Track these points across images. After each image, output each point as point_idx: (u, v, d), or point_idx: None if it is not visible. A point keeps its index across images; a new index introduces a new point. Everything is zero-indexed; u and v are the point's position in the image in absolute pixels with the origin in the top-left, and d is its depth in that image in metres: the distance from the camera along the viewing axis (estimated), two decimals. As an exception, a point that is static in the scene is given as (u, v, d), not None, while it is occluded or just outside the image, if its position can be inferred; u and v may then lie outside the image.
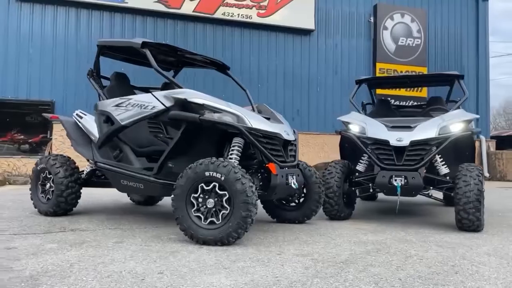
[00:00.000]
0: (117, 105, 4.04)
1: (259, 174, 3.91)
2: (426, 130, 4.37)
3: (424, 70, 15.27)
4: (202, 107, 3.62)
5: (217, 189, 3.27)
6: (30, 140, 12.12)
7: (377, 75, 14.66)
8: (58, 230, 3.83)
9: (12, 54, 11.55)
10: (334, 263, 2.84)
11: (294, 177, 3.82)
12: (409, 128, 4.47)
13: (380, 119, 4.88)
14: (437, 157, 4.46)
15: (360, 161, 4.88)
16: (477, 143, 13.81)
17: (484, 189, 4.18)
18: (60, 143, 11.69)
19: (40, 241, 3.37)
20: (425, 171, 4.42)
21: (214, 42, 13.19)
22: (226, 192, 3.24)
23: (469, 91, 12.22)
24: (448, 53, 16.06)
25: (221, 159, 3.33)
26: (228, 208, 3.24)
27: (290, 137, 3.89)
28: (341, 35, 14.67)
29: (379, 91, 14.52)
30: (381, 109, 5.86)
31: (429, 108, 5.41)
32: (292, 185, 3.77)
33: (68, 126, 4.60)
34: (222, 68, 4.98)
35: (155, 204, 5.85)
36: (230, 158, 3.63)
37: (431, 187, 4.50)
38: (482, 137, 14.32)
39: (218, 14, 13.09)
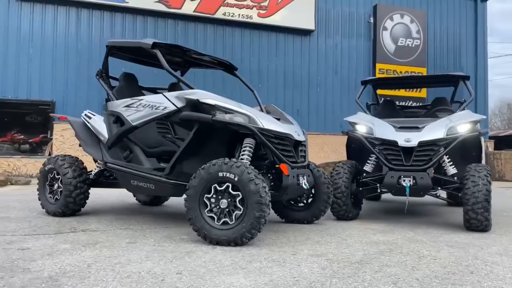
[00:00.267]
0: (127, 106, 4.04)
1: (269, 175, 3.92)
2: (434, 130, 4.39)
3: (423, 71, 15.34)
4: (213, 107, 3.63)
5: (230, 189, 3.28)
6: (30, 140, 12.09)
7: (377, 75, 14.72)
8: (68, 231, 3.83)
9: (12, 54, 11.51)
10: (349, 263, 2.85)
11: (305, 177, 3.83)
12: (417, 128, 4.49)
13: (387, 119, 4.91)
14: (445, 157, 4.49)
15: (368, 161, 4.90)
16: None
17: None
18: (61, 143, 11.68)
19: (52, 241, 3.37)
20: (433, 171, 4.44)
21: (214, 42, 13.20)
22: (239, 193, 3.25)
23: (466, 91, 12.27)
24: (447, 54, 16.14)
25: (234, 159, 3.35)
26: (242, 208, 3.25)
27: (300, 137, 3.91)
28: (341, 36, 14.72)
29: (378, 91, 14.64)
30: (386, 110, 5.88)
31: (435, 109, 5.44)
32: (303, 185, 3.78)
33: (76, 126, 4.60)
34: (229, 68, 4.99)
35: (161, 205, 5.85)
36: (242, 159, 3.64)
37: (439, 188, 4.53)
38: (481, 137, 14.40)
39: (218, 14, 13.11)
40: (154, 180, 3.87)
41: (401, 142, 4.39)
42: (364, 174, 4.90)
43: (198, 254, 3.04)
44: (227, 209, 3.31)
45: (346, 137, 5.26)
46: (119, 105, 4.16)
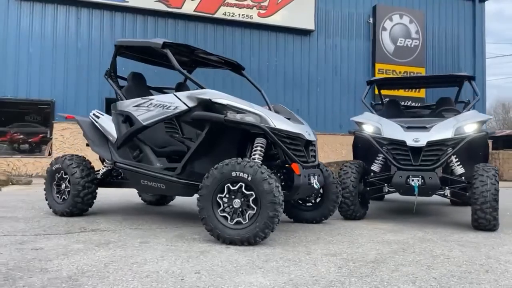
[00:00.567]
0: (138, 106, 4.03)
1: (280, 174, 3.93)
2: (442, 130, 4.41)
3: (422, 71, 15.42)
4: (225, 107, 3.63)
5: (243, 189, 3.28)
6: (29, 140, 12.03)
7: (376, 75, 14.78)
8: (78, 231, 3.82)
9: (11, 53, 11.46)
10: (365, 263, 2.86)
11: (316, 177, 3.84)
12: (425, 128, 4.51)
13: (393, 119, 4.93)
14: (453, 157, 4.51)
15: (375, 161, 4.92)
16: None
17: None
18: (61, 142, 11.64)
19: (64, 241, 3.36)
20: (441, 171, 4.46)
21: (214, 42, 13.20)
22: (252, 192, 3.25)
23: (466, 92, 12.36)
24: (446, 54, 16.23)
25: (247, 159, 3.35)
26: (255, 208, 3.25)
27: (311, 137, 3.92)
28: (341, 36, 14.77)
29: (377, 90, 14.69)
30: (391, 110, 5.90)
31: (441, 109, 5.47)
32: (314, 185, 3.79)
33: (85, 126, 4.58)
34: (237, 68, 4.99)
35: (166, 204, 5.84)
36: (253, 158, 3.65)
37: (447, 187, 4.55)
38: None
39: (219, 14, 13.12)
40: (165, 180, 3.86)
41: (410, 142, 4.41)
42: (372, 174, 4.91)
43: (213, 253, 3.04)
44: (240, 209, 3.31)
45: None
46: (128, 105, 4.15)
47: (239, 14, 13.29)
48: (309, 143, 3.92)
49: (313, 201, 4.54)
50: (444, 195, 4.62)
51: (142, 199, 5.89)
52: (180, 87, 5.09)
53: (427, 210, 5.98)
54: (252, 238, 3.24)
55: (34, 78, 11.59)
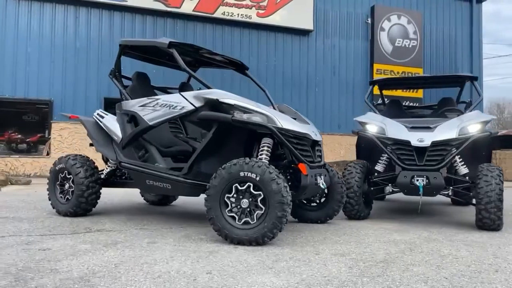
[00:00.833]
0: (143, 105, 4.02)
1: (287, 175, 3.93)
2: (446, 130, 4.43)
3: (420, 71, 15.46)
4: (232, 107, 3.62)
5: (251, 189, 3.28)
6: (27, 140, 11.95)
7: (374, 75, 14.82)
8: (84, 231, 3.80)
9: (9, 53, 11.37)
10: (375, 263, 2.87)
11: (322, 177, 3.84)
12: (429, 128, 4.53)
13: (397, 119, 4.94)
14: (457, 157, 4.53)
15: (379, 161, 4.93)
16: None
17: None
18: (59, 142, 11.58)
19: (71, 241, 3.34)
20: (446, 171, 4.48)
21: (213, 41, 13.16)
22: (261, 192, 3.25)
23: (466, 91, 12.29)
24: (443, 55, 16.29)
25: (254, 159, 3.35)
26: (263, 208, 3.25)
27: (317, 137, 3.92)
28: (339, 36, 14.78)
29: (376, 91, 14.73)
30: (393, 110, 5.91)
31: (444, 109, 5.49)
32: (321, 185, 3.79)
33: (89, 126, 4.56)
34: (241, 68, 4.98)
35: (169, 204, 5.83)
36: (260, 158, 3.64)
37: (451, 187, 4.57)
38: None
39: (217, 14, 13.08)
40: (171, 180, 3.85)
41: (414, 142, 4.42)
42: (376, 174, 4.92)
43: (222, 254, 3.03)
44: (248, 209, 3.30)
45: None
46: (134, 105, 4.13)
47: (238, 14, 13.27)
48: (315, 143, 3.92)
49: (317, 201, 4.54)
50: (448, 195, 4.63)
51: (144, 199, 5.87)
52: (184, 87, 5.08)
53: (429, 210, 6.00)
54: (260, 238, 3.23)
55: (32, 77, 11.51)
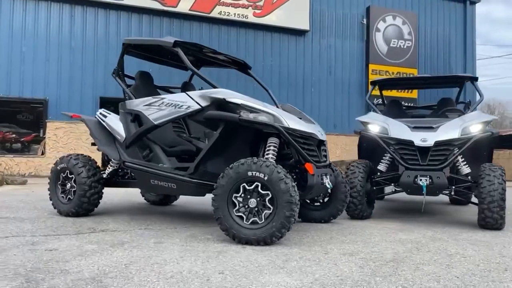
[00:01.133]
0: (149, 105, 3.99)
1: (293, 174, 3.92)
2: (449, 130, 4.46)
3: (414, 72, 15.58)
4: (239, 107, 3.61)
5: (259, 188, 3.27)
6: (22, 139, 11.83)
7: (370, 76, 14.90)
8: (88, 231, 3.76)
9: (4, 51, 11.26)
10: (384, 262, 2.88)
11: (328, 176, 3.85)
12: (431, 128, 4.55)
13: (399, 119, 4.97)
14: (459, 157, 4.56)
15: (382, 161, 4.94)
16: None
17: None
18: (54, 142, 11.49)
19: (76, 242, 3.30)
20: (449, 170, 4.51)
21: (210, 41, 13.13)
22: (269, 192, 3.24)
23: (452, 92, 12.36)
24: (437, 55, 16.43)
25: (262, 158, 3.34)
26: (271, 208, 3.24)
27: (323, 137, 3.93)
28: (335, 36, 14.84)
29: (374, 91, 14.79)
30: (393, 110, 5.94)
31: (444, 109, 5.53)
32: (327, 184, 3.79)
33: (91, 125, 4.51)
34: (244, 67, 4.97)
35: (170, 204, 5.80)
36: (266, 158, 3.63)
37: (453, 187, 4.60)
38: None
39: (214, 13, 13.07)
40: (176, 180, 3.83)
41: (417, 142, 4.45)
42: (378, 174, 4.94)
43: (231, 253, 3.02)
44: (255, 209, 3.29)
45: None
46: (138, 104, 4.10)
47: (235, 14, 13.26)
48: (321, 143, 3.93)
49: (321, 200, 4.54)
50: (450, 194, 4.66)
51: (145, 199, 5.83)
52: (186, 86, 5.05)
53: (429, 209, 6.04)
54: (268, 238, 3.22)
55: (27, 76, 11.40)
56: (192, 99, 3.75)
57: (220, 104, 3.66)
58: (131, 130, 4.20)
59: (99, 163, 4.86)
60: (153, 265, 2.67)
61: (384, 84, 6.25)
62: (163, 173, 3.89)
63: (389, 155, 4.80)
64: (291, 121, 3.64)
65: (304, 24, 14.16)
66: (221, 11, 13.10)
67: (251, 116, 3.57)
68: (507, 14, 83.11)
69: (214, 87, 3.78)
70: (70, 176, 4.49)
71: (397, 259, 2.96)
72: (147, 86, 4.61)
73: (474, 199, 4.83)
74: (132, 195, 6.60)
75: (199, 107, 3.72)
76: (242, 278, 2.43)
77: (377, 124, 4.88)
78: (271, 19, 13.70)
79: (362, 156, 5.38)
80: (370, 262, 2.86)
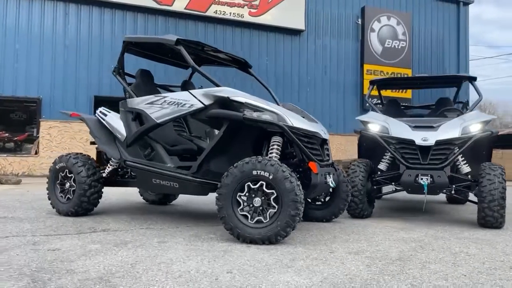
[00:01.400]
0: (151, 103, 3.95)
1: (296, 173, 3.91)
2: (449, 130, 4.48)
3: (408, 72, 15.66)
4: (242, 105, 3.59)
5: (264, 187, 3.26)
6: (15, 138, 11.69)
7: (365, 76, 14.95)
8: (89, 231, 3.72)
9: (-3, 49, 11.11)
10: (391, 261, 2.88)
11: (331, 175, 3.84)
12: (432, 128, 4.58)
13: (399, 118, 4.98)
14: (459, 156, 4.58)
15: (382, 160, 4.95)
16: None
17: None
18: (48, 141, 11.38)
19: (79, 241, 3.27)
20: (450, 169, 4.53)
21: (205, 40, 13.05)
22: (273, 191, 3.23)
23: (451, 92, 12.47)
24: (431, 56, 16.53)
25: (267, 157, 3.32)
26: (276, 206, 3.23)
27: (326, 136, 3.92)
28: (330, 36, 14.87)
29: (366, 91, 14.84)
30: (391, 109, 5.95)
31: (443, 109, 5.56)
32: (330, 183, 3.79)
33: (91, 124, 4.46)
34: (244, 66, 4.95)
35: (169, 204, 5.76)
36: (270, 157, 3.61)
37: (453, 186, 4.62)
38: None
39: (210, 12, 13.02)
40: (179, 179, 3.80)
41: (418, 141, 4.46)
42: (379, 173, 4.95)
43: (236, 253, 3.00)
44: (260, 208, 3.28)
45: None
46: (140, 103, 4.07)
47: (230, 13, 13.22)
48: (324, 142, 3.92)
49: (322, 199, 4.54)
50: (450, 193, 4.68)
51: (144, 198, 5.78)
52: (186, 85, 5.02)
53: (427, 208, 6.05)
54: (273, 237, 3.21)
55: (20, 75, 11.27)
56: (195, 97, 3.73)
57: (224, 102, 3.63)
58: (132, 128, 4.16)
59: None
60: (159, 264, 2.65)
61: (382, 84, 6.27)
62: (165, 172, 3.86)
63: (389, 154, 4.82)
64: (295, 120, 3.63)
65: (299, 24, 14.17)
66: (216, 10, 13.06)
67: (254, 114, 3.55)
68: (498, 16, 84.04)
69: (217, 85, 3.76)
70: (70, 175, 4.44)
71: (403, 258, 2.97)
72: (147, 85, 4.57)
73: (471, 198, 4.88)
74: (129, 194, 6.55)
75: (202, 105, 3.69)
76: (251, 277, 2.42)
77: (377, 124, 4.89)
78: (266, 19, 13.69)
79: (362, 155, 5.39)
80: (377, 261, 2.86)
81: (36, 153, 11.34)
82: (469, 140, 4.43)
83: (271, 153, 3.63)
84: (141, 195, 5.83)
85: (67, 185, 4.46)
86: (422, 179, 4.37)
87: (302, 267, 2.65)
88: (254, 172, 3.24)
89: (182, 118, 4.77)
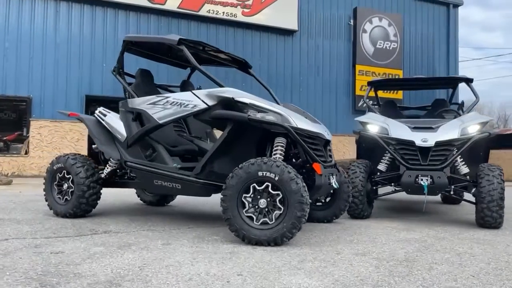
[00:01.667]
0: (153, 103, 3.91)
1: (300, 174, 3.90)
2: (449, 131, 4.52)
3: (399, 73, 15.79)
4: (247, 106, 3.57)
5: (270, 189, 3.24)
6: (4, 138, 11.48)
7: (357, 77, 15.04)
8: (90, 233, 3.66)
9: (-14, 47, 10.90)
10: (398, 262, 2.89)
11: (334, 176, 3.85)
12: (431, 129, 4.61)
13: (398, 119, 5.01)
14: (458, 157, 4.62)
15: (381, 161, 4.97)
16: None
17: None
18: (38, 141, 11.22)
19: (82, 244, 3.21)
20: (449, 170, 4.57)
21: (198, 39, 12.99)
22: (279, 192, 3.22)
23: (441, 94, 12.66)
24: (422, 57, 16.69)
25: (272, 158, 3.31)
26: (282, 208, 3.22)
27: (329, 137, 3.92)
28: (323, 37, 14.91)
29: (358, 92, 14.93)
30: (388, 111, 5.98)
31: (440, 110, 5.61)
32: (333, 184, 3.79)
33: (90, 124, 4.39)
34: (244, 66, 4.93)
35: (166, 205, 5.71)
36: (274, 158, 3.60)
37: (452, 186, 4.66)
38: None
39: (203, 12, 12.97)
40: (182, 180, 3.76)
41: (418, 142, 4.49)
42: (378, 174, 4.97)
43: (244, 254, 2.98)
44: (265, 209, 3.26)
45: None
46: (141, 103, 4.02)
47: (223, 12, 13.18)
48: (327, 143, 3.92)
49: (323, 200, 4.54)
50: (450, 194, 4.72)
51: (141, 199, 5.72)
52: (185, 85, 4.98)
53: (422, 208, 6.11)
54: (279, 239, 3.20)
55: (10, 73, 11.08)
56: (199, 98, 3.69)
57: (228, 103, 3.61)
58: (132, 129, 4.11)
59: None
60: (168, 267, 2.61)
61: (379, 85, 6.30)
62: (168, 173, 3.82)
63: (388, 155, 4.84)
64: (299, 121, 3.62)
65: (292, 24, 14.19)
66: (209, 10, 13.00)
67: (259, 115, 3.54)
68: (483, 17, 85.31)
69: (221, 86, 3.73)
70: (68, 176, 4.37)
71: (410, 259, 2.98)
72: (147, 85, 4.52)
73: (466, 197, 4.94)
74: (126, 195, 6.48)
75: (206, 106, 3.66)
76: (262, 279, 2.40)
77: (377, 124, 4.91)
78: (259, 19, 13.68)
79: (361, 156, 5.41)
80: (384, 262, 2.87)
81: (26, 153, 11.16)
82: (468, 141, 4.47)
83: (275, 154, 3.62)
84: (138, 196, 5.77)
85: (65, 186, 4.39)
86: (422, 180, 4.40)
87: (312, 269, 2.64)
88: (260, 173, 3.23)
89: (182, 119, 4.72)
